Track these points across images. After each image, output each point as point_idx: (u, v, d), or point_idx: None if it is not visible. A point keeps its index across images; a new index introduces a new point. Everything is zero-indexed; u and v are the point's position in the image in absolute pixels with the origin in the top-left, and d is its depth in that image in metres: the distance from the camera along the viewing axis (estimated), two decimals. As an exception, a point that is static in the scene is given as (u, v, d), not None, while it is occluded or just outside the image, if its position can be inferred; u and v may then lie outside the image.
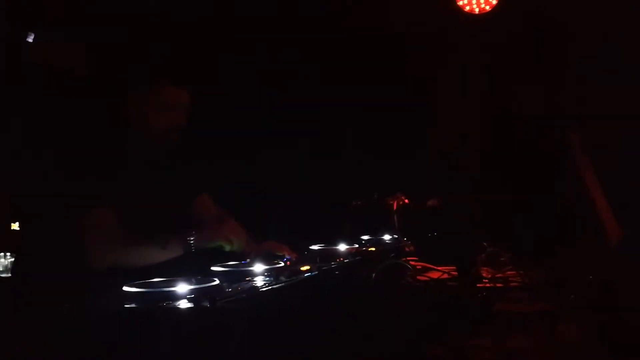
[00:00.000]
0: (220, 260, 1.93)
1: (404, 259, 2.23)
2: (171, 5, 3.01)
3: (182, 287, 1.34)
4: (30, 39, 2.46)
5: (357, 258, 2.03)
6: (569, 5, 3.23)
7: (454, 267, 2.12)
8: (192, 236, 2.04)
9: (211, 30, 3.21)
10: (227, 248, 2.09)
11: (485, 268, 2.18)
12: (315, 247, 2.19)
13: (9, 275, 1.65)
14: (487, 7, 3.17)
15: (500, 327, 1.60)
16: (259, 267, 1.67)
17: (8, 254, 1.63)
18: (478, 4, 3.18)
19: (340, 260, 1.97)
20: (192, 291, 1.33)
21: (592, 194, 2.59)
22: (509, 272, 2.14)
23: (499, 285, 2.03)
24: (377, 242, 2.46)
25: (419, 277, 2.06)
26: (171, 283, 1.38)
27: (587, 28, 3.18)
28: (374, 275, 1.88)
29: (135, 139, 2.30)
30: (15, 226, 1.92)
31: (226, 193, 2.64)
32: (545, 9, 3.30)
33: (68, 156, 2.18)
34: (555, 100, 3.30)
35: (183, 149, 2.41)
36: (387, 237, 2.56)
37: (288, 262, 1.89)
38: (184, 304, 1.26)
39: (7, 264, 1.61)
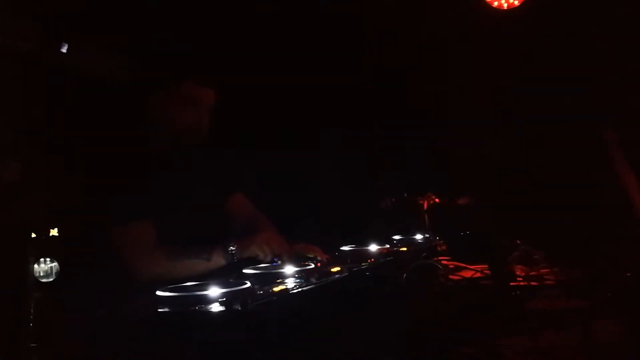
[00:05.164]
0: (252, 262, 1.95)
1: (436, 258, 2.22)
2: (198, 4, 3.05)
3: (214, 291, 1.36)
4: (64, 49, 2.52)
5: (389, 259, 2.03)
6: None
7: (487, 266, 2.11)
8: (233, 247, 2.06)
9: (240, 26, 3.24)
10: (264, 257, 2.09)
11: (518, 266, 2.16)
12: (346, 248, 2.20)
13: (50, 280, 1.69)
14: (516, 2, 3.14)
15: (534, 326, 1.58)
16: (290, 269, 1.68)
17: (48, 259, 1.68)
18: (507, -1, 3.14)
19: (371, 261, 1.97)
20: (224, 294, 1.35)
21: (628, 191, 2.54)
22: (542, 270, 2.12)
23: (533, 283, 2.01)
24: (408, 242, 2.45)
25: (451, 277, 2.04)
26: (203, 287, 1.41)
27: (622, 23, 3.12)
28: (405, 275, 1.87)
29: (168, 139, 2.34)
30: (54, 232, 1.97)
31: (259, 193, 2.67)
32: (577, 3, 3.25)
33: (107, 163, 2.23)
34: (590, 96, 3.24)
35: (215, 148, 2.44)
36: (418, 236, 2.54)
37: (319, 264, 1.89)
38: (216, 307, 1.28)
39: (47, 269, 1.66)
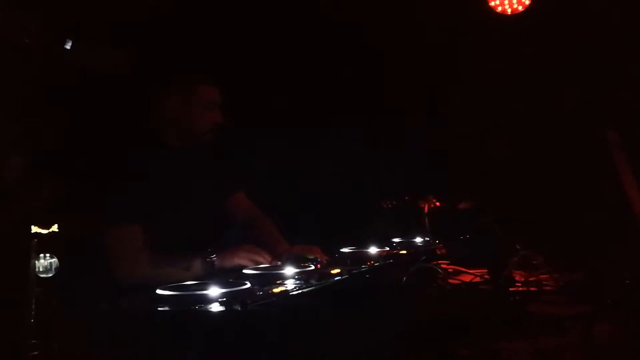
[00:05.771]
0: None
1: (436, 262, 2.22)
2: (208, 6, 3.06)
3: (214, 290, 1.36)
4: (67, 46, 2.51)
5: (389, 261, 2.03)
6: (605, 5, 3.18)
7: (486, 270, 2.11)
8: (212, 257, 2.05)
9: (239, 25, 3.24)
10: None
11: (517, 271, 2.15)
12: (346, 249, 2.20)
13: (49, 275, 1.68)
14: (520, 8, 3.13)
15: (534, 329, 1.58)
16: (290, 270, 1.68)
17: (48, 255, 1.68)
18: (510, 4, 3.14)
19: (371, 263, 1.97)
20: (223, 294, 1.35)
21: (629, 195, 2.54)
22: (542, 276, 2.12)
23: (532, 288, 2.01)
24: (408, 244, 2.45)
25: (450, 280, 2.04)
26: (203, 286, 1.41)
27: (625, 26, 3.13)
28: (405, 278, 1.87)
29: (172, 139, 2.34)
30: (54, 228, 1.97)
31: (259, 192, 2.67)
32: (581, 8, 3.25)
33: (106, 162, 2.23)
34: (592, 98, 3.24)
35: (217, 147, 2.44)
36: (418, 239, 2.55)
37: (319, 265, 1.89)
38: (215, 307, 1.28)
39: (47, 265, 1.66)
